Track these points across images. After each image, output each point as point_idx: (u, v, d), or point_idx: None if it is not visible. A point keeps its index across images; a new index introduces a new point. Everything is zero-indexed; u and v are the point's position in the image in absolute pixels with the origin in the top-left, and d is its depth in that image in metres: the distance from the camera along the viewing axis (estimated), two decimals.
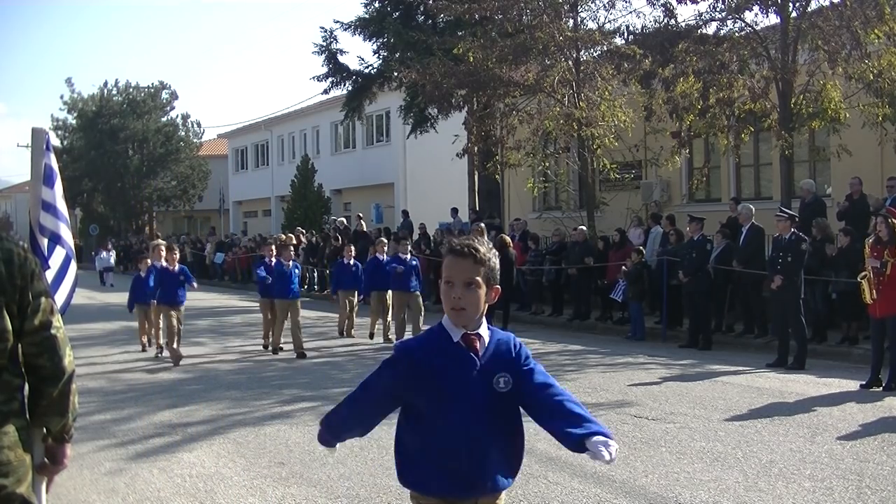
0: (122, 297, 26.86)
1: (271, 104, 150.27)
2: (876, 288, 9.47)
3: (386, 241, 16.25)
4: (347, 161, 37.63)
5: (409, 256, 14.51)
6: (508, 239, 17.77)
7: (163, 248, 13.07)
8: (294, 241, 27.63)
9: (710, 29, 15.60)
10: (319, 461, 6.88)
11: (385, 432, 7.65)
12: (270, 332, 13.56)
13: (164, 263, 12.73)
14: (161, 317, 12.98)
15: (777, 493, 5.80)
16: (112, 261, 35.76)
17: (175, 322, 12.27)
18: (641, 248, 15.90)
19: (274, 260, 13.30)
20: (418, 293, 14.27)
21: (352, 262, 15.58)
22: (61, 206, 4.22)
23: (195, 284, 13.29)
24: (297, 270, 13.25)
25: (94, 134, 48.66)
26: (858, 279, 9.85)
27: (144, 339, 13.89)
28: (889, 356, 9.56)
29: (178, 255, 13.17)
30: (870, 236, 10.02)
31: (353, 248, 16.43)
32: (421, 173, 32.75)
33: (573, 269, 17.00)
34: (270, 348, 13.39)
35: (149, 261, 13.88)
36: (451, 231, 22.22)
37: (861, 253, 10.15)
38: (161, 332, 13.31)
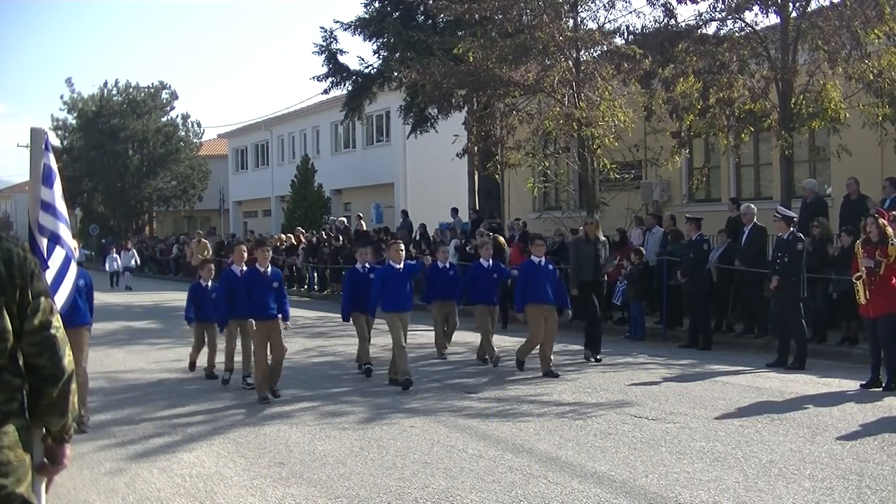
0: (124, 298, 26.99)
1: (271, 104, 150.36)
2: (869, 288, 9.48)
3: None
4: (347, 161, 37.64)
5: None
6: (503, 240, 17.80)
7: (244, 249, 10.61)
8: (276, 243, 27.88)
9: (710, 29, 15.59)
10: (319, 461, 6.89)
11: (385, 432, 7.70)
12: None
13: (244, 268, 10.21)
14: (239, 335, 10.42)
15: (777, 493, 5.80)
16: (133, 262, 32.13)
17: (275, 345, 9.64)
18: (641, 248, 15.89)
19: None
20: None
21: (448, 264, 13.11)
22: (61, 206, 4.22)
23: (288, 317, 10.06)
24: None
25: (94, 134, 48.66)
26: (853, 279, 9.85)
27: (198, 359, 11.41)
28: (884, 356, 9.56)
29: (270, 254, 10.12)
30: (861, 237, 10.04)
31: (447, 250, 14.43)
32: (421, 173, 32.75)
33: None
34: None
35: (212, 267, 11.92)
36: (451, 231, 22.22)
37: (855, 253, 10.15)
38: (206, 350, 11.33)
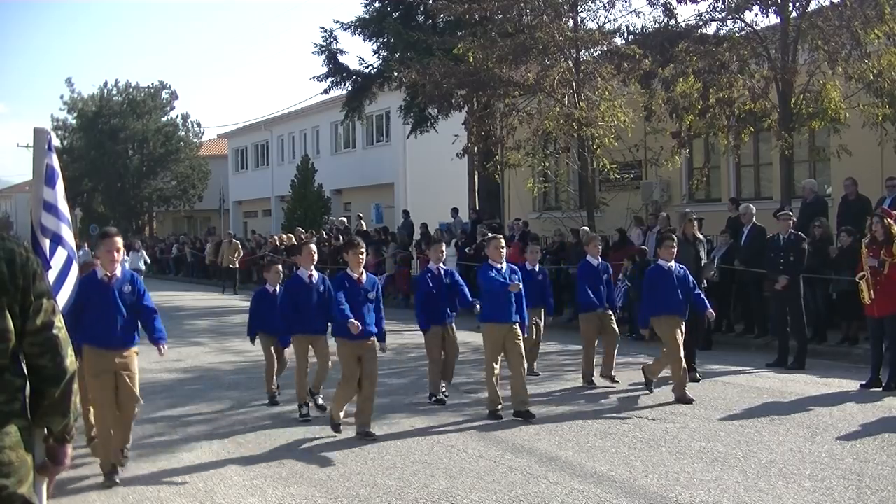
0: None
1: (271, 104, 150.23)
2: (874, 288, 9.48)
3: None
4: (347, 161, 37.63)
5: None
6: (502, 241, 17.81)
7: (313, 250, 8.80)
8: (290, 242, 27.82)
9: (710, 29, 15.60)
10: (319, 461, 6.89)
11: (385, 432, 7.67)
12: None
13: (313, 272, 8.63)
14: (312, 347, 8.59)
15: (777, 493, 5.81)
16: (142, 262, 27.45)
17: (368, 374, 7.67)
18: (644, 247, 15.88)
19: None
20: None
21: (536, 267, 10.90)
22: (63, 206, 4.23)
23: (385, 337, 8.11)
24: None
25: (94, 134, 48.64)
26: (857, 279, 9.86)
27: (275, 386, 9.39)
28: (888, 356, 9.56)
29: (363, 257, 7.88)
30: (866, 236, 10.05)
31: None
32: (421, 173, 32.73)
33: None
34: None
35: (279, 268, 9.88)
36: (451, 231, 22.22)
37: (860, 253, 10.16)
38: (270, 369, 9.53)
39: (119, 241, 6.57)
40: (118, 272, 6.59)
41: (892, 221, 9.62)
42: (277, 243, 29.03)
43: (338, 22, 25.27)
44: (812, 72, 14.70)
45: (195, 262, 35.01)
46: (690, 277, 9.42)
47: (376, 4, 24.99)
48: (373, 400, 7.71)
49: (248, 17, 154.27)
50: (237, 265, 27.70)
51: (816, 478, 6.11)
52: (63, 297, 4.09)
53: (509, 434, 7.65)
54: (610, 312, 10.40)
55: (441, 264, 9.32)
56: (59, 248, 4.14)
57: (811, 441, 7.18)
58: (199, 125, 52.30)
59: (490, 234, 9.90)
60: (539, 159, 20.26)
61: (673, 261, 9.37)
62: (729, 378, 10.43)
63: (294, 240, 28.06)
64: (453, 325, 9.36)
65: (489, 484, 6.14)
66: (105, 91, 50.14)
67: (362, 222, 28.27)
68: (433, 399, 9.15)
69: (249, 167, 48.31)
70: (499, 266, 8.46)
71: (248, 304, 10.95)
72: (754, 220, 14.07)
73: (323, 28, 26.69)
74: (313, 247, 8.87)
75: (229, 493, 6.15)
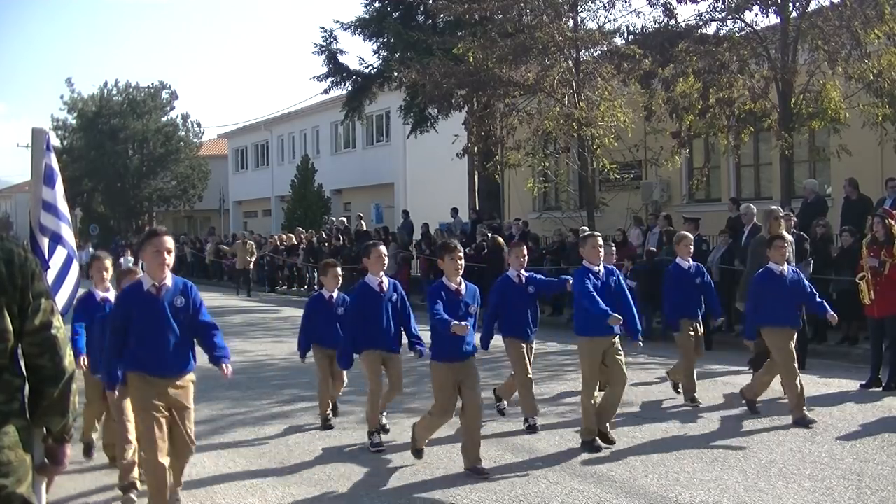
0: None
1: (271, 104, 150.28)
2: (874, 288, 9.48)
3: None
4: (347, 161, 37.63)
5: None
6: (501, 241, 17.87)
7: (383, 253, 7.46)
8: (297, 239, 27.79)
9: (710, 29, 15.61)
10: (319, 461, 6.89)
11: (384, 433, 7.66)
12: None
13: (384, 279, 7.32)
14: (384, 367, 7.44)
15: (777, 493, 5.80)
16: None
17: (469, 405, 6.48)
18: (653, 248, 15.84)
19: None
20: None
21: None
22: (62, 206, 4.23)
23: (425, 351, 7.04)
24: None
25: (94, 134, 48.62)
26: (857, 280, 9.85)
27: (329, 410, 8.27)
28: (888, 356, 9.55)
29: (461, 264, 6.60)
30: (867, 237, 10.05)
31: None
32: (421, 173, 32.74)
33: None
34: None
35: (339, 272, 8.36)
36: (451, 231, 22.22)
37: (861, 253, 10.16)
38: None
39: (170, 241, 5.27)
40: (168, 281, 5.30)
41: (893, 222, 9.61)
42: (278, 243, 29.04)
43: (338, 22, 25.32)
44: (812, 72, 14.70)
45: (195, 263, 34.98)
46: (806, 282, 8.29)
47: (376, 4, 25.00)
48: (479, 431, 6.52)
49: (248, 18, 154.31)
50: (252, 266, 27.39)
51: (816, 478, 6.11)
52: (62, 297, 4.09)
53: (509, 434, 7.65)
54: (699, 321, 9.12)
55: (522, 270, 7.90)
56: (59, 248, 4.13)
57: (811, 441, 7.18)
58: (199, 125, 52.32)
59: (586, 232, 8.43)
60: (539, 159, 20.27)
61: (786, 264, 8.20)
62: (729, 378, 10.43)
63: (294, 240, 28.08)
64: (533, 344, 8.01)
65: (489, 484, 6.14)
66: (105, 91, 50.14)
67: (362, 222, 28.27)
68: (528, 425, 7.74)
69: (249, 167, 48.32)
70: (596, 269, 7.24)
71: (255, 305, 10.65)
72: (755, 220, 14.06)
73: (323, 28, 26.72)
74: (383, 249, 7.42)
75: (229, 493, 6.15)
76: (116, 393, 5.78)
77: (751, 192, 19.64)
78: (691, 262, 9.13)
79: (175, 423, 5.28)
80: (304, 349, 8.17)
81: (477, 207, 24.11)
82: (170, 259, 5.23)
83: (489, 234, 18.93)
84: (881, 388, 9.33)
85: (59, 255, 4.13)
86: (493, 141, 19.35)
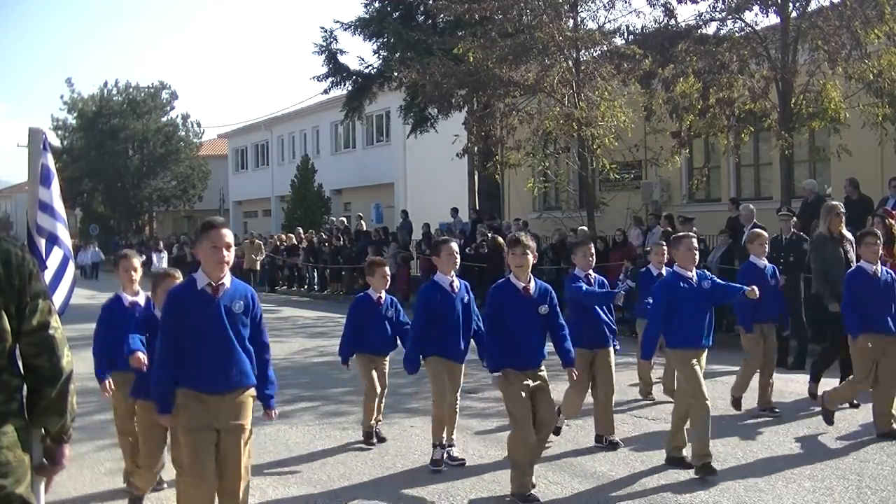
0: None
1: (271, 104, 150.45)
2: None
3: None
4: (347, 161, 37.63)
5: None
6: (502, 241, 17.89)
7: (455, 250, 6.61)
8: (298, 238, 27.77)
9: (710, 29, 15.62)
10: (319, 461, 6.88)
11: (385, 432, 7.66)
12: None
13: (454, 279, 6.57)
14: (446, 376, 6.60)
15: (777, 493, 5.80)
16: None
17: (542, 424, 5.85)
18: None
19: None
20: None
21: (664, 270, 8.56)
22: (58, 206, 4.22)
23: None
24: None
25: (94, 134, 48.66)
26: None
27: (375, 422, 7.48)
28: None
29: (531, 259, 6.12)
30: None
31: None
32: (421, 173, 32.75)
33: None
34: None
35: (387, 271, 7.61)
36: (451, 231, 22.22)
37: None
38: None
39: (229, 234, 4.54)
40: (227, 281, 4.54)
41: (893, 222, 9.61)
42: (278, 243, 29.03)
43: (338, 22, 25.33)
44: (812, 72, 14.70)
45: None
46: None
47: (376, 4, 25.01)
48: (541, 451, 5.97)
49: (248, 17, 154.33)
50: (258, 266, 27.16)
51: (816, 478, 6.11)
52: (59, 297, 4.09)
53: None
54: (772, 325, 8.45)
55: (591, 271, 7.28)
56: (55, 248, 4.13)
57: (811, 441, 7.18)
58: (199, 125, 52.36)
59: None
60: (539, 159, 20.27)
61: (879, 263, 7.39)
62: (729, 378, 10.39)
63: (294, 240, 28.07)
64: (611, 350, 7.38)
65: (489, 484, 6.13)
66: (105, 91, 50.18)
67: (362, 222, 28.28)
68: (607, 442, 7.08)
69: (249, 167, 48.33)
70: (688, 274, 6.44)
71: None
72: (755, 220, 14.06)
73: (323, 28, 26.73)
74: (454, 245, 6.66)
75: None
76: (157, 415, 4.66)
77: (751, 193, 19.64)
78: (766, 261, 8.39)
79: (228, 447, 4.42)
80: (346, 354, 7.46)
81: (477, 207, 24.12)
82: (229, 255, 4.50)
83: (489, 234, 18.93)
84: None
85: (56, 255, 4.13)
86: (493, 141, 19.36)
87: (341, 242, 25.44)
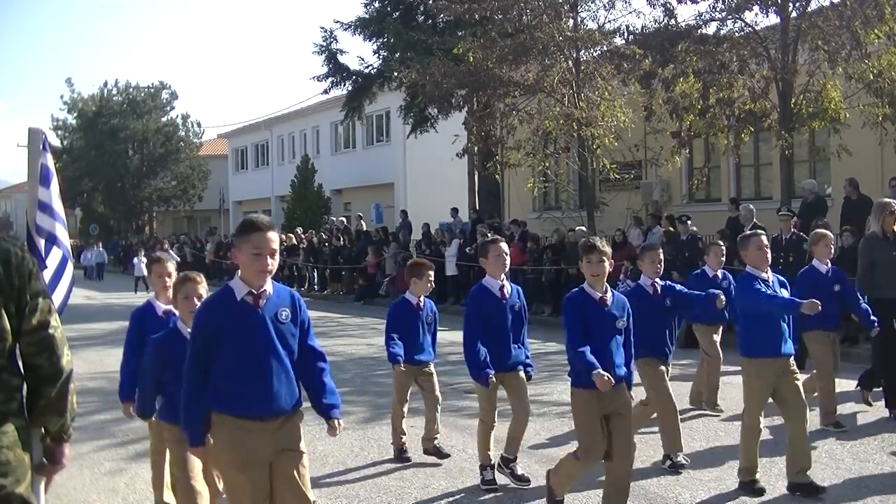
0: (129, 299, 26.93)
1: (271, 104, 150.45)
2: None
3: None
4: (347, 161, 37.63)
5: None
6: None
7: (504, 250, 6.11)
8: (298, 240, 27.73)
9: (710, 29, 15.64)
10: (319, 461, 6.87)
11: (385, 432, 7.66)
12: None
13: (501, 282, 6.08)
14: (511, 396, 6.23)
15: (777, 493, 5.79)
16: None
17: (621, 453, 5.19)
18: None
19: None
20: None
21: (720, 273, 8.60)
22: (58, 206, 4.22)
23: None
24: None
25: (94, 134, 48.67)
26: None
27: (404, 439, 6.94)
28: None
29: (607, 267, 5.22)
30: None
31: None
32: (421, 173, 32.74)
33: (573, 269, 16.99)
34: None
35: (431, 275, 6.96)
36: (451, 231, 22.22)
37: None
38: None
39: (275, 238, 3.89)
40: (269, 287, 3.95)
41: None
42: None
43: (338, 22, 25.32)
44: (812, 72, 14.71)
45: (195, 263, 34.93)
46: None
47: (376, 4, 25.00)
48: (629, 481, 5.26)
49: (248, 17, 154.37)
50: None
51: (816, 478, 6.10)
52: (58, 297, 4.09)
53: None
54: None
55: (658, 278, 6.72)
56: (55, 248, 4.14)
57: (811, 441, 7.16)
58: (199, 125, 52.40)
59: (746, 232, 6.81)
60: (539, 159, 20.27)
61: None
62: (729, 378, 10.38)
63: (294, 240, 28.06)
64: (669, 365, 6.76)
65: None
66: (105, 91, 50.21)
67: (362, 222, 28.27)
68: (670, 463, 6.46)
69: (249, 167, 48.32)
70: (764, 276, 5.88)
71: None
72: (755, 220, 14.06)
73: (323, 28, 26.71)
74: (504, 246, 6.12)
75: None
76: (187, 445, 4.02)
77: (751, 193, 19.65)
78: (829, 265, 7.59)
79: (285, 483, 3.78)
80: (396, 353, 6.57)
81: (477, 207, 24.12)
82: (273, 263, 3.86)
83: (490, 234, 18.92)
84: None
85: (55, 255, 4.13)
86: (493, 141, 19.36)
87: (341, 242, 25.44)
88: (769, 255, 5.90)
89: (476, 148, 20.10)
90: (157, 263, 5.49)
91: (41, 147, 4.14)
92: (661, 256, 6.78)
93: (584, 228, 17.85)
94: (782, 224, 12.14)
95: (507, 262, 6.04)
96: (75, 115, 50.42)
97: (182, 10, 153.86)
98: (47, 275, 4.00)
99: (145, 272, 27.31)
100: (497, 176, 22.62)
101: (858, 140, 15.06)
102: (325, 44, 25.66)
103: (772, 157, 17.79)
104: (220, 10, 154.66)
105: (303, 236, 27.90)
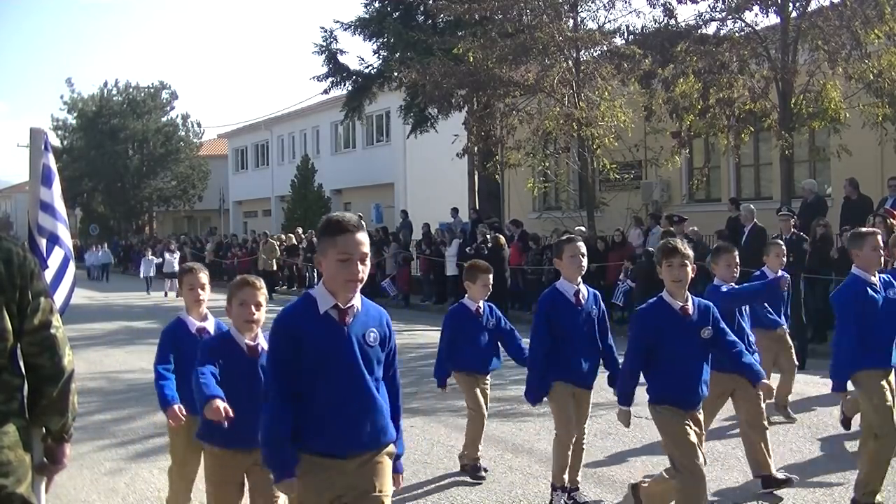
0: (127, 299, 26.93)
1: (271, 104, 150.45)
2: None
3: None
4: (347, 161, 37.63)
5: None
6: (503, 240, 17.95)
7: (580, 250, 5.51)
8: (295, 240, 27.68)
9: (710, 29, 15.65)
10: None
11: (407, 435, 7.62)
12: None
13: (577, 286, 5.50)
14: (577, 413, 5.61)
15: (777, 492, 5.79)
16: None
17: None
18: (652, 248, 15.87)
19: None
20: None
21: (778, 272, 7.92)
22: (59, 206, 4.22)
23: None
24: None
25: (94, 134, 48.69)
26: None
27: (479, 453, 6.34)
28: None
29: (690, 272, 4.73)
30: None
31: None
32: (421, 173, 32.74)
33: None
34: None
35: (490, 279, 6.34)
36: (451, 231, 22.22)
37: None
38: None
39: (365, 241, 3.43)
40: (359, 303, 3.41)
41: (894, 221, 9.61)
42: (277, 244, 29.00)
43: (338, 22, 25.31)
44: (812, 72, 14.71)
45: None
46: None
47: (376, 4, 25.00)
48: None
49: (247, 17, 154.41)
50: (275, 267, 26.48)
51: (816, 478, 6.10)
52: (60, 297, 4.09)
53: (509, 434, 7.64)
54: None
55: (734, 283, 6.25)
56: (56, 248, 4.14)
57: (811, 441, 7.18)
58: (199, 125, 52.43)
59: (860, 229, 6.00)
60: (539, 159, 20.28)
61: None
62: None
63: (294, 240, 28.03)
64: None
65: (489, 484, 6.13)
66: (105, 91, 50.22)
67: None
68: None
69: (249, 167, 48.32)
70: (872, 280, 5.34)
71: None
72: (755, 220, 14.07)
73: (323, 28, 26.71)
74: (581, 245, 5.49)
75: None
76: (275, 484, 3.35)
77: (751, 193, 19.65)
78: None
79: None
80: (443, 375, 6.33)
81: (477, 207, 24.12)
82: (364, 271, 3.34)
83: (490, 234, 18.93)
84: None
85: (57, 255, 4.14)
86: (493, 141, 19.36)
87: None
88: (882, 259, 5.33)
89: (476, 148, 20.10)
90: (188, 274, 4.84)
91: (43, 147, 4.14)
92: (738, 259, 6.31)
93: (583, 228, 17.86)
94: (782, 224, 12.14)
95: (584, 263, 5.43)
96: (75, 115, 50.44)
97: (182, 10, 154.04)
98: (49, 275, 4.00)
99: (153, 272, 28.38)
100: (497, 176, 22.62)
101: (858, 140, 15.07)
102: (325, 44, 25.67)
103: (772, 157, 17.80)
104: (219, 10, 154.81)
105: (303, 236, 27.87)
